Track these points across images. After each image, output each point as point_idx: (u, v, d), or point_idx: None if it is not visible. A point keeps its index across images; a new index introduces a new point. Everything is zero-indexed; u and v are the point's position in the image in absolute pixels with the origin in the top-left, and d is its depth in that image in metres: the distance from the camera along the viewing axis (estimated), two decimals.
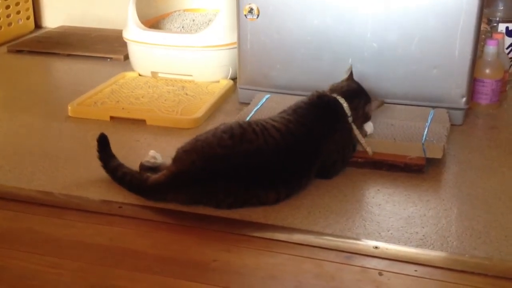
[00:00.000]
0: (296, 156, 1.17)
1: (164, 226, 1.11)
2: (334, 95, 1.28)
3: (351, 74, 1.37)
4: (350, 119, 1.26)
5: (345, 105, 1.26)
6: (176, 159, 1.16)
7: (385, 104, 1.48)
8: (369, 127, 1.35)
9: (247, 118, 1.45)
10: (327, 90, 1.32)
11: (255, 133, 1.15)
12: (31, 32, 2.49)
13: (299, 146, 1.18)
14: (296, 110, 1.24)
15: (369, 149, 1.28)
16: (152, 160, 1.27)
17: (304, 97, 1.28)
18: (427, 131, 1.36)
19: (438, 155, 1.28)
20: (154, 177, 1.17)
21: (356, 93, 1.31)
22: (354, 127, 1.27)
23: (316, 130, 1.21)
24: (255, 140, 1.14)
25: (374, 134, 1.36)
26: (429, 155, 1.28)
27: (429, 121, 1.41)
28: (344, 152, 1.27)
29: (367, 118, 1.33)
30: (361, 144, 1.29)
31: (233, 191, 1.13)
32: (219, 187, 1.12)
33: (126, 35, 1.91)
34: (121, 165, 1.21)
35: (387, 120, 1.42)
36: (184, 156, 1.15)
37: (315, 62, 1.58)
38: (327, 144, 1.21)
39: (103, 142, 1.23)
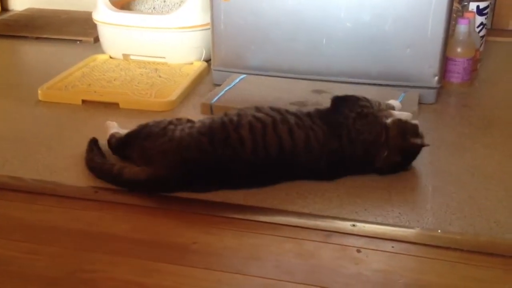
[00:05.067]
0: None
1: (141, 209, 1.10)
2: None
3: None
4: None
5: None
6: (151, 160, 1.13)
7: (358, 85, 1.49)
8: None
9: (215, 98, 1.44)
10: None
11: (243, 143, 1.11)
12: None
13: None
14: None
15: None
16: (119, 131, 1.28)
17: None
18: None
19: None
20: (130, 171, 1.14)
21: None
22: None
23: None
24: (240, 149, 1.11)
25: None
26: None
27: None
28: None
29: None
30: None
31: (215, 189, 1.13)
32: (199, 189, 1.12)
33: (96, 17, 1.87)
34: (92, 158, 1.21)
35: None
36: (160, 158, 1.13)
37: (290, 43, 1.58)
38: None
39: (93, 143, 1.26)
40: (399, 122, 1.18)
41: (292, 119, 1.16)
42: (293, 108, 1.20)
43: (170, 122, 1.19)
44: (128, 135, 1.23)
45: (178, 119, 1.22)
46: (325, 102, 1.40)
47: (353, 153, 1.16)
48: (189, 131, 1.14)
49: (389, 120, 1.18)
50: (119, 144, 1.24)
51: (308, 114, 1.19)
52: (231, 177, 1.12)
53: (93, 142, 1.26)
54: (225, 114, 1.18)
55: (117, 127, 1.30)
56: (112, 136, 1.26)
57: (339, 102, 1.22)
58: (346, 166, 1.17)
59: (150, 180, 1.12)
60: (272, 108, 1.19)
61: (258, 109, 1.19)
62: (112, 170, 1.15)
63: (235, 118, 1.15)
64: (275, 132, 1.13)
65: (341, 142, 1.15)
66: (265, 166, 1.13)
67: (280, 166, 1.13)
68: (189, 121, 1.21)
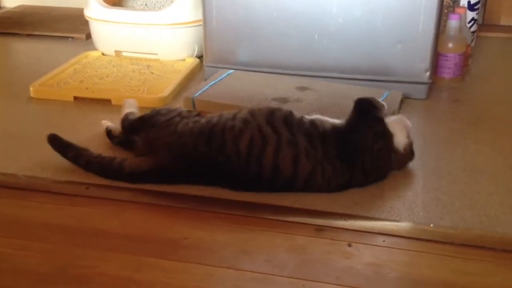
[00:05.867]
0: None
1: (132, 205, 1.10)
2: None
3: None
4: None
5: None
6: (154, 149, 1.14)
7: (346, 82, 1.48)
8: None
9: (198, 93, 1.44)
10: None
11: (238, 155, 1.08)
12: None
13: None
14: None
15: None
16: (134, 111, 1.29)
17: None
18: None
19: None
20: (130, 164, 1.14)
21: None
22: None
23: None
24: (234, 159, 1.08)
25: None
26: None
27: None
28: None
29: None
30: None
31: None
32: (200, 183, 1.13)
33: (88, 13, 1.87)
34: (80, 153, 1.17)
35: (336, 100, 1.41)
36: (162, 149, 1.13)
37: (282, 38, 1.58)
38: None
39: (55, 140, 1.19)
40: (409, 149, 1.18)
41: (303, 142, 1.08)
42: (307, 121, 1.12)
43: (179, 114, 1.19)
44: (140, 119, 1.24)
45: (189, 111, 1.23)
46: (306, 100, 1.41)
47: (361, 182, 1.13)
48: (192, 126, 1.13)
49: (401, 147, 1.16)
50: (131, 128, 1.25)
51: (324, 136, 1.11)
52: (226, 178, 1.11)
53: (62, 140, 1.19)
54: (233, 118, 1.12)
55: (134, 106, 1.31)
56: (126, 117, 1.27)
57: (362, 109, 1.15)
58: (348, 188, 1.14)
59: (153, 171, 1.12)
60: (286, 121, 1.10)
61: (270, 115, 1.11)
62: (113, 164, 1.14)
63: (238, 124, 1.10)
64: (275, 156, 1.07)
65: (353, 174, 1.11)
66: (258, 179, 1.10)
67: (274, 181, 1.10)
68: (197, 115, 1.20)
